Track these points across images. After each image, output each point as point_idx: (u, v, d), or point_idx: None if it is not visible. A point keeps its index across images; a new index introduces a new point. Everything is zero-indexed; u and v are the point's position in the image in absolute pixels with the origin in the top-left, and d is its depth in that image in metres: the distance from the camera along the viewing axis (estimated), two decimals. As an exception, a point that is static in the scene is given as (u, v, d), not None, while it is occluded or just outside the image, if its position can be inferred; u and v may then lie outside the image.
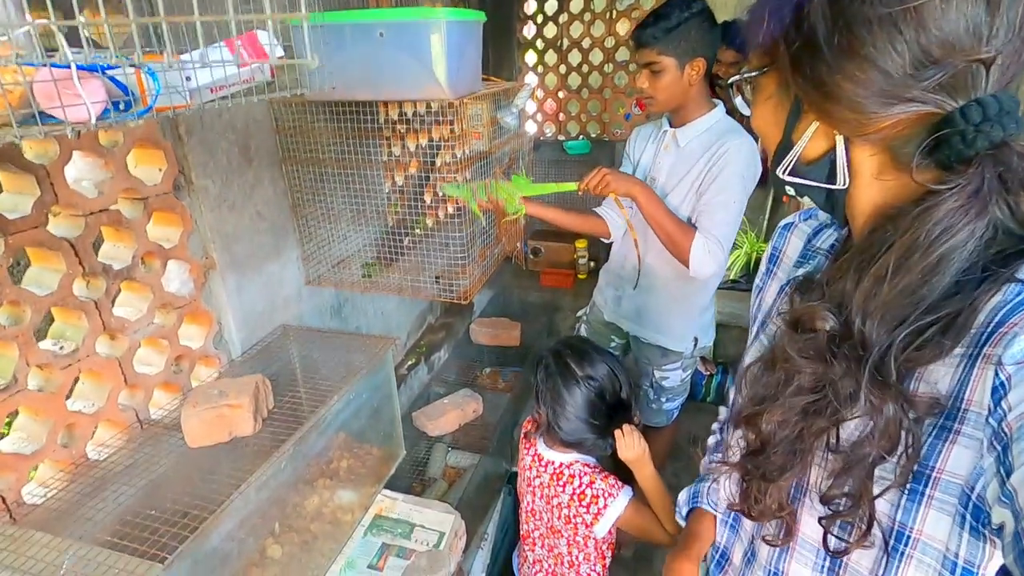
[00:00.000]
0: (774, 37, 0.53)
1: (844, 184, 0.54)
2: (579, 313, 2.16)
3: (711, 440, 0.96)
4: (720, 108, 1.53)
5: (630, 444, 1.18)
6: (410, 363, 2.11)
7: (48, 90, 0.43)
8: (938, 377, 0.50)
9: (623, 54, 2.64)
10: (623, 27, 2.60)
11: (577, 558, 1.33)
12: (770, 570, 0.70)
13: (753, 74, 0.57)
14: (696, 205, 1.48)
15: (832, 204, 0.58)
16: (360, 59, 1.10)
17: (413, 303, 2.18)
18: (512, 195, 1.47)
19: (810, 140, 0.54)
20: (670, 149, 1.56)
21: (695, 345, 1.72)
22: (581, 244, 2.77)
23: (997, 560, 0.45)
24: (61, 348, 0.93)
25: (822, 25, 0.48)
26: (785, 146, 0.57)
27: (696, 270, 1.42)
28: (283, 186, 1.36)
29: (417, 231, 1.81)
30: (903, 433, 0.50)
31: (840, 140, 0.52)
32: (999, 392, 0.44)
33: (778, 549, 0.67)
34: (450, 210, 1.88)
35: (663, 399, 1.81)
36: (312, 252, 1.46)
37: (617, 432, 1.19)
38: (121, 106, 0.50)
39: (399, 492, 1.37)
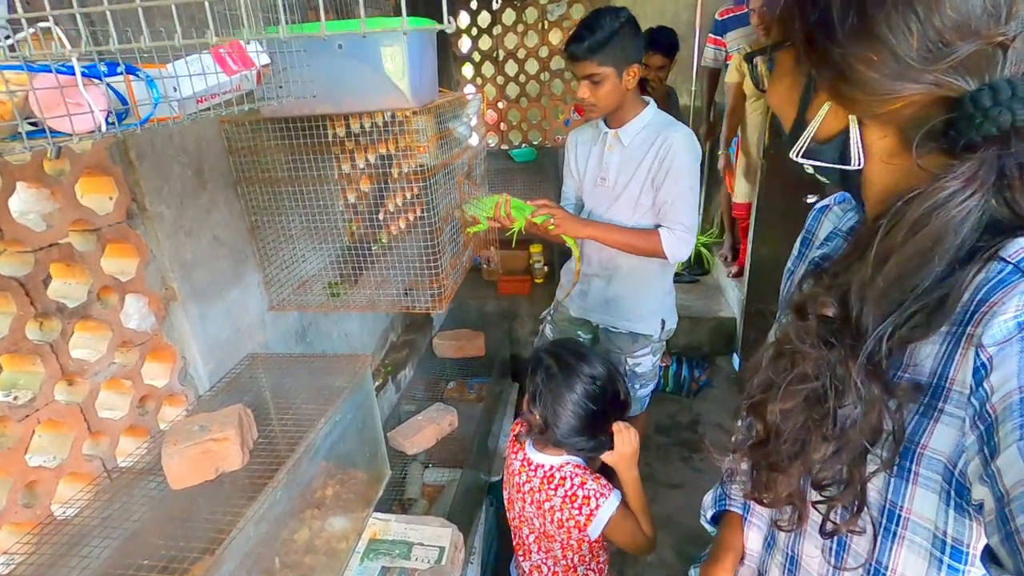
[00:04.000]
0: (791, 13, 0.52)
1: (858, 164, 0.54)
2: (542, 315, 2.19)
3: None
4: (653, 105, 1.65)
5: (627, 440, 1.20)
6: (377, 383, 2.05)
7: (52, 98, 0.39)
8: (924, 356, 0.51)
9: (557, 63, 2.72)
10: (555, 37, 2.69)
11: (573, 560, 1.32)
12: (787, 554, 0.70)
13: (771, 50, 0.56)
14: (655, 197, 1.60)
15: (847, 184, 0.58)
16: (319, 72, 1.08)
17: (375, 322, 2.13)
18: (522, 213, 1.54)
19: (823, 119, 0.54)
20: (615, 148, 1.66)
21: (663, 327, 1.80)
22: (536, 249, 2.81)
23: (984, 540, 0.44)
24: (15, 399, 0.85)
25: (837, 3, 0.47)
26: (799, 124, 0.56)
27: (674, 258, 1.59)
28: (239, 208, 1.30)
29: (375, 248, 1.78)
30: (887, 419, 0.51)
31: (853, 120, 0.52)
32: (980, 373, 0.44)
33: (794, 533, 0.67)
34: (402, 226, 1.86)
35: (637, 386, 1.87)
36: (274, 275, 1.40)
37: (616, 426, 1.21)
38: (111, 118, 0.47)
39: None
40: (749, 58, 0.61)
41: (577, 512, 1.22)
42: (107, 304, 0.99)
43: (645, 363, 1.83)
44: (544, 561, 1.36)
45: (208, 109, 0.58)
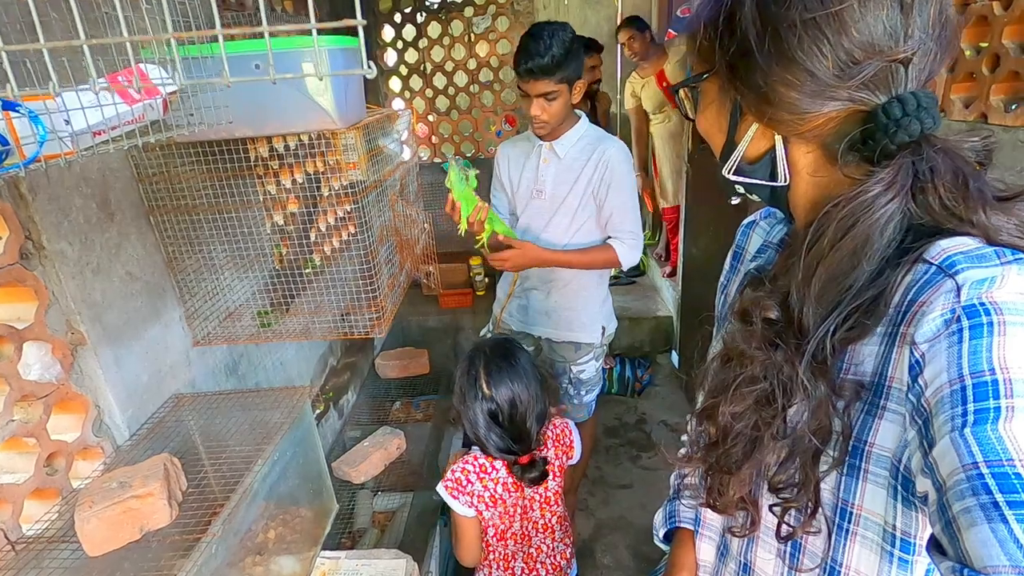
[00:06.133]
0: (711, 44, 0.55)
1: (785, 181, 0.57)
2: (482, 331, 2.17)
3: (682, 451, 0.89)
4: (585, 118, 1.68)
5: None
6: (318, 411, 1.96)
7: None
8: (864, 356, 0.53)
9: (486, 75, 2.73)
10: (482, 49, 2.69)
11: (545, 544, 1.38)
12: (740, 561, 0.71)
13: (695, 81, 0.60)
14: (600, 212, 1.66)
15: (776, 200, 0.61)
16: (236, 94, 1.02)
17: (312, 348, 2.04)
18: (491, 225, 1.58)
19: (751, 141, 0.57)
20: (550, 161, 1.66)
21: (603, 334, 1.82)
22: (476, 261, 2.79)
23: (930, 530, 0.46)
24: None
25: (753, 32, 0.51)
26: (729, 147, 0.59)
27: (628, 264, 1.68)
28: (153, 239, 1.21)
29: (308, 270, 1.71)
30: (834, 418, 0.53)
31: (779, 139, 0.55)
32: (915, 369, 0.47)
33: (746, 540, 0.69)
34: (336, 244, 1.80)
35: (583, 392, 1.89)
36: (196, 309, 1.31)
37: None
38: (-9, 160, 0.41)
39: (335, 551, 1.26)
40: (674, 90, 0.63)
41: (567, 448, 1.34)
42: (1, 356, 0.89)
43: (589, 369, 1.85)
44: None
45: (107, 142, 0.52)
